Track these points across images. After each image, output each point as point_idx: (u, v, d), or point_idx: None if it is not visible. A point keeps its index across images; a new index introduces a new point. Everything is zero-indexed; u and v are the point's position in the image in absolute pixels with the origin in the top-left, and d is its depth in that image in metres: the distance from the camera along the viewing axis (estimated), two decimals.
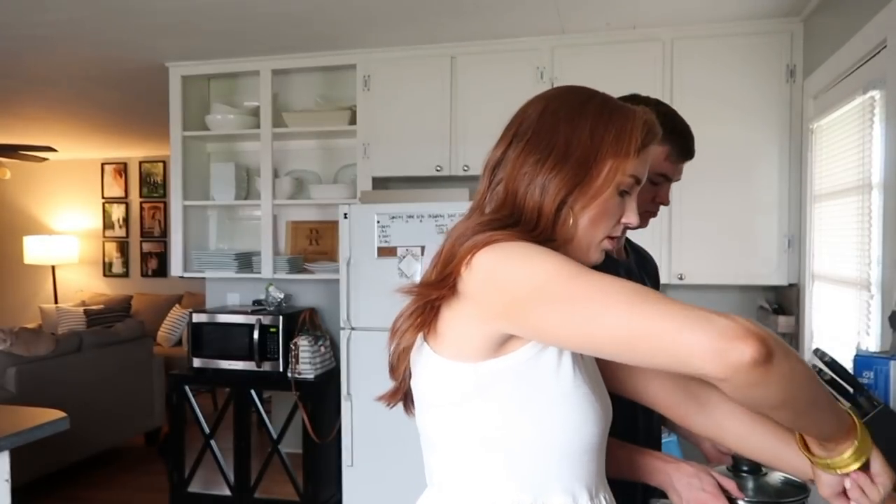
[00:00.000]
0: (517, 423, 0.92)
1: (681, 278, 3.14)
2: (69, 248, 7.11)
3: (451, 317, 0.93)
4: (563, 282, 0.82)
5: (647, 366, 0.83)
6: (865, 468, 0.93)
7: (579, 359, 0.96)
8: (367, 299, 3.11)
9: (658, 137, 1.00)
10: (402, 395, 1.06)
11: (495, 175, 0.99)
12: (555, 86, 1.14)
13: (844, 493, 0.95)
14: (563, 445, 0.93)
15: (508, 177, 0.97)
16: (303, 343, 3.46)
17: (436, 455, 1.00)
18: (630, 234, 1.74)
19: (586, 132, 0.95)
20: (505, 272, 0.87)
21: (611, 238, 0.99)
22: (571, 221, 0.95)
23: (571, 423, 0.93)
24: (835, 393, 1.44)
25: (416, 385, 1.01)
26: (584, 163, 0.94)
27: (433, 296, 0.93)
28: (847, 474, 0.93)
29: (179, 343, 6.15)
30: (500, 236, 0.90)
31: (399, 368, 1.04)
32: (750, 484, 1.18)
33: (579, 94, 1.01)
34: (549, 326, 0.84)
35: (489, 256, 0.88)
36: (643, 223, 1.50)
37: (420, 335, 0.98)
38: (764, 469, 1.19)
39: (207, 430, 3.62)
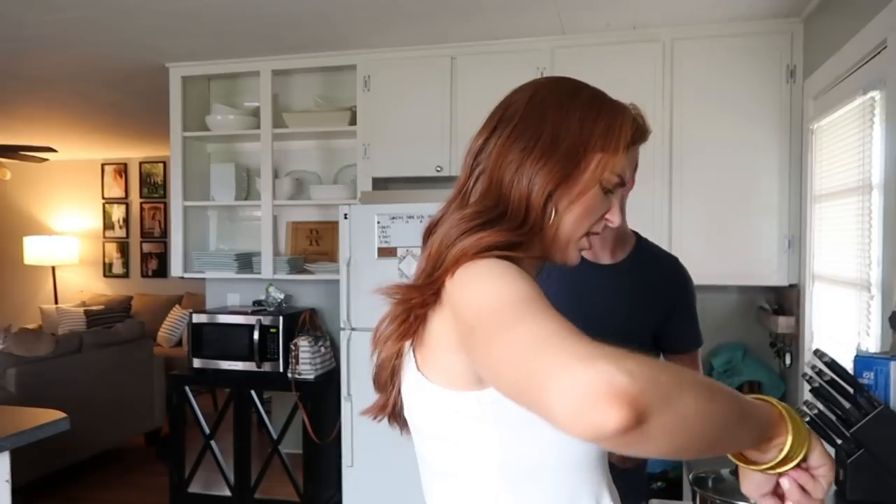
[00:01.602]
0: (535, 444, 0.86)
1: None
2: (69, 248, 7.12)
3: (438, 329, 0.86)
4: (494, 316, 0.73)
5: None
6: (803, 462, 0.79)
7: None
8: (367, 300, 3.11)
9: (647, 137, 0.96)
10: (391, 411, 0.99)
11: (478, 162, 0.94)
12: None
13: (774, 492, 0.83)
14: (580, 457, 0.89)
15: (493, 165, 0.91)
16: (303, 343, 3.46)
17: (444, 483, 0.94)
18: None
19: (575, 122, 0.91)
20: (459, 302, 0.80)
21: (588, 235, 0.96)
22: (554, 216, 0.90)
23: None
24: (836, 395, 1.44)
25: (410, 411, 0.94)
26: (573, 154, 0.89)
27: (414, 300, 0.86)
28: (782, 474, 0.80)
29: (179, 343, 6.15)
30: (486, 239, 0.84)
31: (383, 380, 0.97)
32: None
33: (569, 84, 0.97)
34: (479, 365, 0.76)
35: (457, 281, 0.82)
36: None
37: (408, 345, 0.91)
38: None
39: (207, 431, 3.62)
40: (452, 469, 0.91)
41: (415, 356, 0.90)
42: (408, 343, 0.91)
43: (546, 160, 0.89)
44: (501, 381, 0.71)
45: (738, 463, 0.82)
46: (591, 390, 0.60)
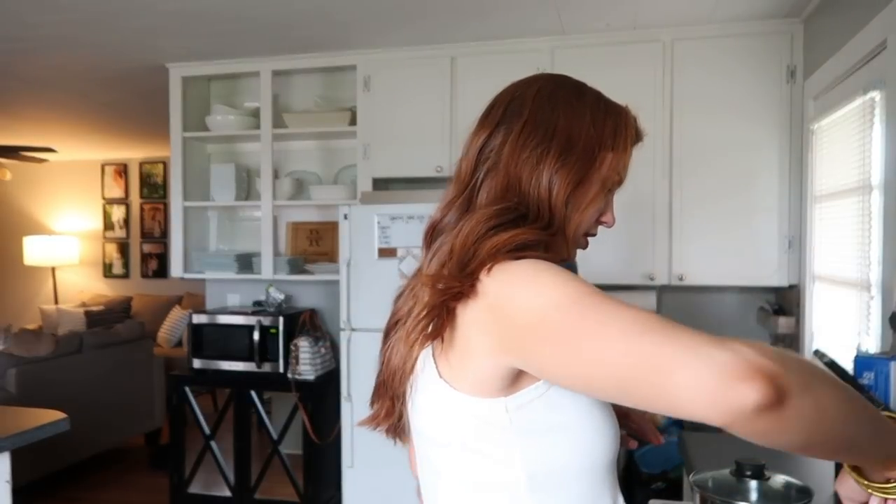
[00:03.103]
0: (558, 450, 0.85)
1: (681, 279, 3.14)
2: (69, 249, 7.12)
3: (470, 331, 0.80)
4: (564, 313, 0.71)
5: (650, 410, 0.67)
6: None
7: None
8: (368, 300, 3.11)
9: (643, 137, 0.96)
10: (397, 420, 0.95)
11: (485, 158, 0.91)
12: None
13: (866, 502, 0.84)
14: (600, 461, 0.88)
15: (507, 161, 0.88)
16: (303, 344, 3.46)
17: (457, 492, 0.90)
18: (608, 233, 1.74)
19: (587, 120, 0.89)
20: (510, 301, 0.76)
21: (587, 236, 0.94)
22: (572, 217, 0.89)
23: (604, 442, 0.87)
24: None
25: (420, 419, 0.90)
26: (589, 154, 0.88)
27: (455, 289, 0.79)
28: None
29: (180, 344, 6.15)
30: (521, 235, 0.81)
31: (396, 386, 0.92)
32: (753, 488, 1.18)
33: (572, 81, 0.96)
34: (550, 366, 0.74)
35: (500, 279, 0.77)
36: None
37: (426, 351, 0.86)
38: (767, 473, 1.19)
39: (208, 431, 3.62)
40: (470, 477, 0.88)
41: (436, 363, 0.86)
42: (427, 349, 0.86)
43: (564, 159, 0.87)
44: (597, 381, 0.69)
45: (850, 472, 0.81)
46: (729, 368, 0.59)
